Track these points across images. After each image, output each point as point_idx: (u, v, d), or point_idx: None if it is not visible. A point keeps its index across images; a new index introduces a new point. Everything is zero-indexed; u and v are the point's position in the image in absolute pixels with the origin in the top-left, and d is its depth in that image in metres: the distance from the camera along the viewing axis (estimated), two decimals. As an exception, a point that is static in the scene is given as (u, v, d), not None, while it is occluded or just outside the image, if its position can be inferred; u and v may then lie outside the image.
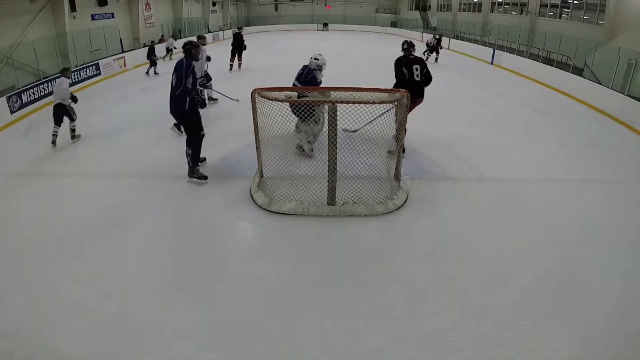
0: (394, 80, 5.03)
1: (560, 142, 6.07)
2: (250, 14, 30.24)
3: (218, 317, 2.71)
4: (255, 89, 3.85)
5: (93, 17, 13.06)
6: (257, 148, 4.23)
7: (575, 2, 13.65)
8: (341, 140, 3.87)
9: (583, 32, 11.99)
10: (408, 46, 5.11)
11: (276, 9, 30.75)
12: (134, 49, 13.94)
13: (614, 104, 7.59)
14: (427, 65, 5.11)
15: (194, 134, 4.46)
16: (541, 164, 5.23)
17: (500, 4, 18.55)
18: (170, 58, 14.05)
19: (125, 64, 11.97)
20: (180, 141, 5.78)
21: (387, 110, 4.03)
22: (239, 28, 12.68)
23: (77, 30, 11.54)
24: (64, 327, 2.60)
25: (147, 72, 11.61)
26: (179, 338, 2.53)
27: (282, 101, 3.67)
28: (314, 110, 4.35)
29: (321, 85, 5.31)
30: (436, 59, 13.76)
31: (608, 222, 3.90)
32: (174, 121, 5.46)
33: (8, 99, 7.05)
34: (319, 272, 3.16)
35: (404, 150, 5.54)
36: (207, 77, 7.31)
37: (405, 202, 4.10)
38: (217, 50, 12.89)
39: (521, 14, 16.68)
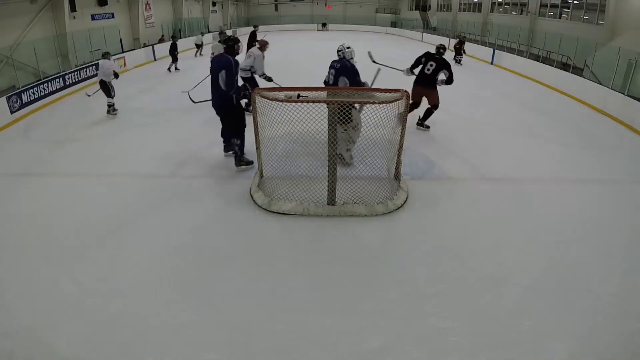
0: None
1: (560, 142, 6.07)
2: (250, 14, 30.24)
3: (218, 317, 2.71)
4: (255, 89, 3.85)
5: (93, 17, 13.06)
6: (257, 148, 4.23)
7: (575, 2, 13.64)
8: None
9: (583, 32, 11.99)
10: (438, 48, 5.95)
11: (276, 9, 30.75)
12: (134, 49, 13.94)
13: (613, 104, 7.59)
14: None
15: (241, 125, 4.59)
16: (541, 164, 5.23)
17: (500, 4, 18.54)
18: (200, 54, 14.75)
19: (125, 64, 11.97)
20: (180, 141, 5.80)
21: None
22: (255, 27, 13.37)
23: (77, 30, 11.53)
24: (64, 327, 2.60)
25: (168, 69, 11.88)
26: (178, 338, 2.53)
27: (282, 101, 3.67)
28: (351, 115, 4.10)
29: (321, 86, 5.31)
30: (458, 60, 13.35)
31: (608, 222, 3.90)
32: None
33: (8, 99, 7.05)
34: (319, 272, 3.16)
35: (427, 126, 6.14)
36: None
37: (405, 202, 4.10)
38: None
39: (521, 14, 16.68)
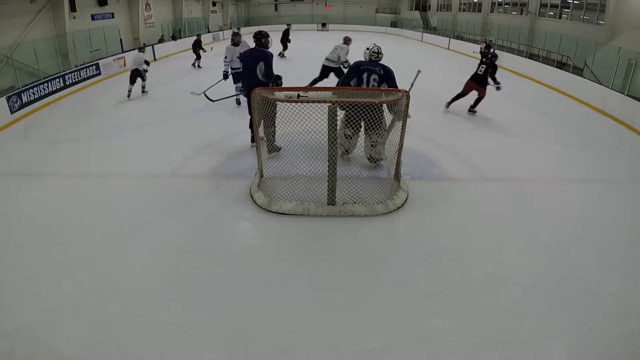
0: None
1: (560, 142, 6.07)
2: (250, 14, 30.24)
3: (218, 316, 2.71)
4: (255, 89, 3.85)
5: (93, 17, 13.05)
6: (257, 148, 4.23)
7: (575, 2, 13.64)
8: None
9: (583, 32, 11.98)
10: (492, 54, 7.06)
11: (276, 9, 30.74)
12: (134, 49, 13.93)
13: (613, 104, 7.59)
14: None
15: (273, 114, 4.62)
16: (541, 164, 5.23)
17: (500, 4, 18.54)
18: (198, 66, 14.47)
19: (125, 64, 11.95)
20: (180, 141, 5.80)
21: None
22: (288, 25, 14.47)
23: (77, 30, 11.53)
24: (64, 326, 2.61)
25: (193, 65, 12.11)
26: (178, 338, 2.53)
27: (282, 101, 3.67)
28: (382, 118, 4.03)
29: (322, 86, 5.31)
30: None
31: (608, 222, 3.90)
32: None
33: (8, 99, 7.04)
34: (319, 272, 3.16)
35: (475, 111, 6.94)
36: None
37: (405, 202, 4.10)
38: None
39: (521, 14, 16.68)
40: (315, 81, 7.74)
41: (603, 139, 6.44)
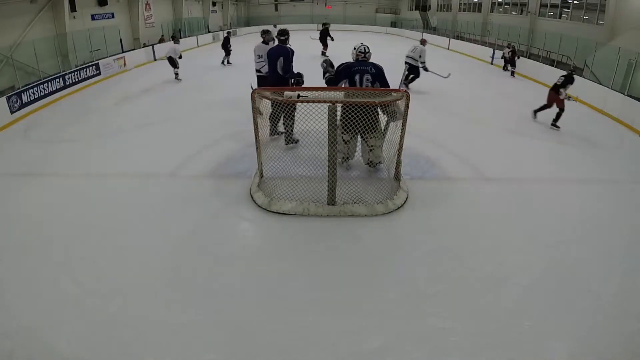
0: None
1: (560, 142, 6.08)
2: (250, 14, 30.22)
3: (218, 317, 2.71)
4: (255, 89, 3.85)
5: (93, 17, 13.05)
6: (257, 148, 4.23)
7: (575, 2, 13.65)
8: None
9: (583, 32, 11.99)
10: (570, 72, 6.81)
11: (276, 9, 30.73)
12: (134, 49, 13.94)
13: (613, 104, 7.59)
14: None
15: (293, 108, 4.82)
16: (541, 164, 5.23)
17: (500, 4, 18.55)
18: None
19: (125, 64, 11.97)
20: (180, 141, 5.80)
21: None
22: (326, 24, 15.00)
23: (77, 30, 11.53)
24: (64, 326, 2.61)
25: (222, 62, 12.59)
26: (178, 338, 2.53)
27: (281, 101, 3.67)
28: (378, 120, 4.05)
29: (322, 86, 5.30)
30: (512, 72, 11.86)
31: (608, 222, 3.90)
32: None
33: (8, 99, 7.05)
34: (319, 272, 3.16)
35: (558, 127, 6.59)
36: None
37: (405, 202, 4.10)
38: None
39: (521, 14, 16.68)
40: (407, 78, 8.60)
41: (603, 139, 6.44)
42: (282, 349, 2.47)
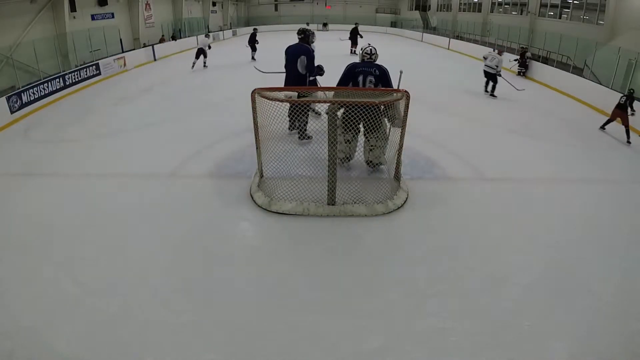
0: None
1: (559, 142, 6.07)
2: (250, 14, 30.21)
3: (218, 317, 2.71)
4: (255, 89, 3.85)
5: (93, 17, 13.03)
6: (257, 148, 4.23)
7: (575, 2, 13.64)
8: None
9: (583, 32, 11.98)
10: (629, 93, 6.76)
11: (276, 9, 30.71)
12: (134, 49, 13.93)
13: (613, 104, 7.57)
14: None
15: (307, 106, 5.00)
16: (541, 164, 5.23)
17: (500, 4, 18.54)
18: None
19: (125, 64, 11.96)
20: (180, 141, 5.80)
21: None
22: (356, 24, 15.90)
23: (77, 30, 11.51)
24: (64, 326, 2.61)
25: (252, 58, 13.10)
26: (178, 338, 2.53)
27: (282, 101, 3.67)
28: (380, 120, 4.06)
29: (322, 85, 5.32)
30: (523, 72, 11.59)
31: (608, 222, 3.90)
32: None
33: (8, 99, 7.04)
34: (319, 272, 3.16)
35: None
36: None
37: (405, 202, 4.10)
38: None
39: (521, 14, 16.67)
40: (487, 86, 9.08)
41: (603, 139, 6.44)
42: (282, 349, 2.47)
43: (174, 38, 16.96)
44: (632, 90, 6.94)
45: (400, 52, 15.67)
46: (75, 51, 10.79)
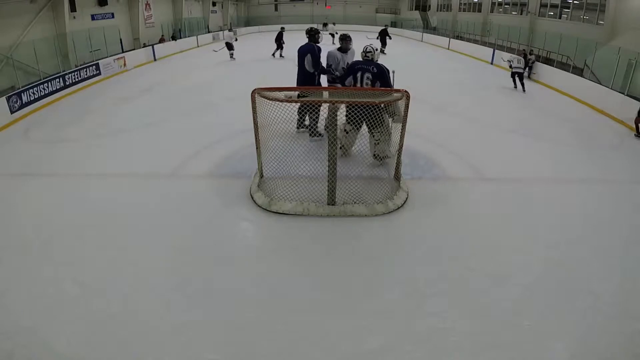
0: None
1: (559, 142, 6.07)
2: (250, 14, 30.20)
3: (218, 317, 2.71)
4: (255, 89, 3.85)
5: (93, 17, 13.04)
6: (257, 148, 4.23)
7: (575, 2, 13.64)
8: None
9: (583, 32, 11.98)
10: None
11: (276, 9, 30.71)
12: (134, 49, 13.93)
13: (613, 104, 7.59)
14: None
15: (319, 104, 5.03)
16: (541, 164, 5.23)
17: (500, 4, 18.53)
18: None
19: (125, 64, 11.96)
20: (180, 141, 5.80)
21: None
22: (386, 26, 16.54)
23: (77, 30, 11.51)
24: (64, 326, 2.61)
25: (273, 54, 13.85)
26: (179, 338, 2.53)
27: (281, 101, 3.67)
28: (383, 118, 4.15)
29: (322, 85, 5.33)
30: (529, 74, 11.25)
31: (608, 222, 3.90)
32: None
33: (8, 99, 7.05)
34: (319, 272, 3.16)
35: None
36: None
37: (405, 202, 4.10)
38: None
39: (521, 14, 16.67)
40: (516, 82, 9.79)
41: (603, 139, 6.44)
42: (282, 349, 2.47)
43: (174, 38, 16.97)
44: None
45: (400, 52, 15.67)
46: (75, 51, 10.80)
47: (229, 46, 13.55)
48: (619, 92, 7.63)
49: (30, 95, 7.72)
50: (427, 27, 23.75)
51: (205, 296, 2.89)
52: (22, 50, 9.09)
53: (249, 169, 4.76)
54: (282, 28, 14.28)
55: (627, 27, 10.79)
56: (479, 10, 19.68)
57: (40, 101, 8.01)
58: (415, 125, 6.19)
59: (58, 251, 3.39)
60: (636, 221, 3.94)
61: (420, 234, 3.67)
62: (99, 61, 10.74)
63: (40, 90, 8.08)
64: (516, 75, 9.77)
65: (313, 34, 5.49)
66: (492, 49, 13.99)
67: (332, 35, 17.36)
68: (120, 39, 13.80)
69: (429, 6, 25.44)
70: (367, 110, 3.91)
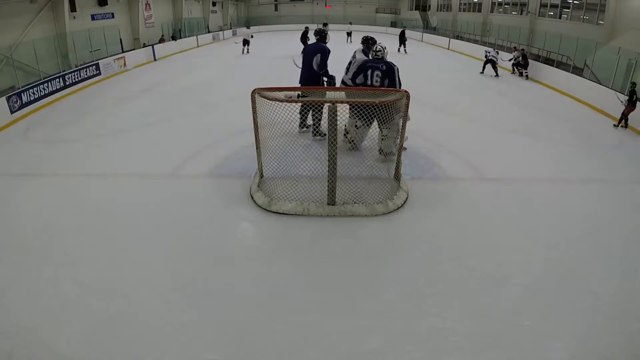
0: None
1: (559, 142, 6.07)
2: (250, 14, 30.21)
3: (218, 317, 2.71)
4: (255, 89, 3.85)
5: (93, 17, 13.03)
6: (257, 148, 4.23)
7: (575, 2, 13.64)
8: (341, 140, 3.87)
9: (583, 32, 11.98)
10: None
11: (276, 9, 30.72)
12: (134, 49, 13.93)
13: (614, 104, 7.58)
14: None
15: (322, 103, 5.10)
16: (541, 164, 5.23)
17: (500, 4, 18.54)
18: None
19: (125, 64, 11.96)
20: (180, 141, 5.80)
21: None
22: (404, 27, 17.69)
23: (77, 30, 11.51)
24: (64, 326, 2.61)
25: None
26: (179, 338, 2.53)
27: (281, 101, 3.67)
28: (393, 116, 4.19)
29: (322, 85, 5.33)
30: (525, 74, 11.34)
31: (608, 222, 3.90)
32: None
33: (8, 99, 7.04)
34: (319, 272, 3.16)
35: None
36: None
37: (405, 202, 4.10)
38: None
39: (521, 14, 16.67)
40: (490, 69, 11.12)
41: (603, 139, 6.44)
42: (282, 349, 2.47)
43: (174, 38, 16.98)
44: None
45: (399, 52, 15.68)
46: (75, 51, 10.79)
47: (245, 42, 15.57)
48: (619, 92, 7.62)
49: (30, 95, 7.72)
50: (427, 27, 23.76)
51: (205, 296, 2.89)
52: (22, 50, 9.09)
53: (249, 169, 4.76)
54: (307, 27, 14.74)
55: (627, 27, 10.79)
56: (479, 10, 19.68)
57: (40, 101, 8.01)
58: (415, 125, 6.21)
59: (58, 251, 3.39)
60: (636, 221, 3.94)
61: (420, 234, 3.67)
62: (99, 61, 10.74)
63: (40, 90, 8.07)
64: (489, 62, 11.29)
65: (324, 35, 5.49)
66: (492, 49, 13.95)
67: (349, 34, 19.01)
68: (120, 39, 13.80)
69: (429, 6, 25.45)
70: (379, 107, 3.94)
